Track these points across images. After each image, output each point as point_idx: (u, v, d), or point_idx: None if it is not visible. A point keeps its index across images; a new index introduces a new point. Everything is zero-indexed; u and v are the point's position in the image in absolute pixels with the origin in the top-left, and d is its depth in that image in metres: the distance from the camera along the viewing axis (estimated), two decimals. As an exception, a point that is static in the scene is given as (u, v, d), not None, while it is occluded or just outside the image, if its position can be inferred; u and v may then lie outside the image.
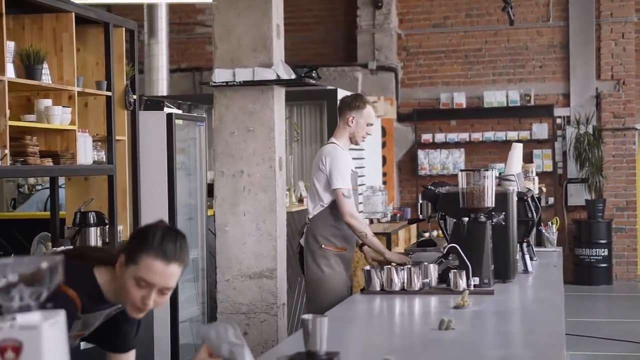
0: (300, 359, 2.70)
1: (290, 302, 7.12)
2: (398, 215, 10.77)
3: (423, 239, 5.78)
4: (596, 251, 12.16)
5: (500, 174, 5.16)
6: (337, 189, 5.07)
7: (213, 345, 2.49)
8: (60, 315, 1.75)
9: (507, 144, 12.50)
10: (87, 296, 2.61)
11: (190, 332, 6.64)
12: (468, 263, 4.17)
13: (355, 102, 5.30)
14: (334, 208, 5.14)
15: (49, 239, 5.63)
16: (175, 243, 2.57)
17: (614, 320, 9.93)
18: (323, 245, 5.16)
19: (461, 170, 4.37)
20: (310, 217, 5.27)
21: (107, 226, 5.57)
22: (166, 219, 6.18)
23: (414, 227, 11.32)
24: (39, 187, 8.52)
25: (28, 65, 4.78)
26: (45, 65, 4.89)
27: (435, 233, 11.24)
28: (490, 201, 4.29)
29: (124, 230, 5.85)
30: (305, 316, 2.70)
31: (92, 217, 5.41)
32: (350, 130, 5.26)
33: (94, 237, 5.40)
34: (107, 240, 5.60)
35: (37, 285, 1.73)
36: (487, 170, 4.33)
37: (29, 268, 1.73)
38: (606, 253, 12.18)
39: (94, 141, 5.51)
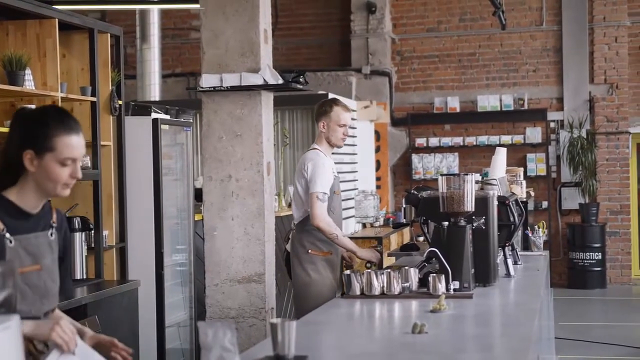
0: (268, 363, 2.72)
1: (279, 307, 7.13)
2: (391, 219, 10.76)
3: (406, 243, 5.81)
4: (590, 255, 12.15)
5: (483, 178, 5.17)
6: (312, 192, 5.15)
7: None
8: (13, 321, 1.77)
9: (501, 148, 12.49)
10: (4, 213, 2.64)
11: (178, 337, 6.64)
12: (448, 267, 4.18)
13: (322, 107, 5.38)
14: None
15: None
16: (70, 117, 2.72)
17: (607, 324, 9.93)
18: (310, 251, 5.20)
19: (441, 175, 4.38)
20: (296, 222, 5.31)
21: (92, 231, 5.58)
22: (152, 223, 6.22)
23: (407, 231, 11.32)
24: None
25: (10, 71, 4.80)
26: (28, 71, 4.90)
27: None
28: (470, 205, 4.30)
29: (109, 236, 5.86)
30: (274, 320, 2.73)
31: (77, 222, 5.41)
32: (325, 135, 5.34)
33: (79, 242, 5.41)
34: (92, 245, 5.61)
35: (-11, 290, 1.75)
36: (467, 174, 4.34)
37: (-19, 273, 1.75)
38: (600, 257, 12.18)
39: (79, 146, 5.52)
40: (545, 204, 12.47)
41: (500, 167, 5.31)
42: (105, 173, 5.79)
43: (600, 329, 9.57)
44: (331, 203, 5.26)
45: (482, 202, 4.44)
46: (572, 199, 12.50)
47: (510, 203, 4.90)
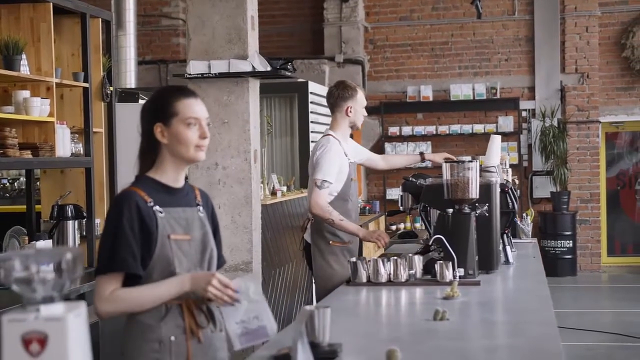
0: (302, 350, 2.70)
1: (265, 295, 7.10)
2: (367, 208, 10.80)
3: (404, 230, 5.80)
4: (561, 243, 12.30)
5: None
6: (312, 178, 5.02)
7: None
8: (82, 307, 1.73)
9: (473, 137, 12.61)
10: (150, 189, 2.82)
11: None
12: (453, 254, 4.18)
13: (348, 91, 5.24)
14: (339, 201, 5.05)
15: (23, 233, 5.54)
16: (186, 87, 2.96)
17: (579, 311, 10.05)
18: (330, 242, 5.06)
19: (445, 162, 4.38)
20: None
21: (84, 219, 5.50)
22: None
23: (382, 219, 11.36)
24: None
25: (7, 55, 4.70)
26: (24, 56, 4.81)
27: (408, 225, 11.31)
28: (474, 192, 4.31)
29: (101, 224, 5.78)
30: (308, 307, 2.70)
31: (69, 210, 5.33)
32: (350, 120, 5.26)
33: (72, 230, 5.33)
34: (84, 233, 5.53)
35: (61, 276, 1.71)
36: (472, 161, 4.35)
37: (52, 259, 1.71)
38: (571, 245, 12.33)
39: (71, 133, 5.44)
40: (517, 192, 12.55)
41: (495, 155, 5.32)
42: (96, 160, 5.70)
43: (571, 315, 9.68)
44: (348, 190, 5.12)
45: (485, 189, 4.45)
46: (543, 188, 12.62)
47: (509, 190, 4.93)
